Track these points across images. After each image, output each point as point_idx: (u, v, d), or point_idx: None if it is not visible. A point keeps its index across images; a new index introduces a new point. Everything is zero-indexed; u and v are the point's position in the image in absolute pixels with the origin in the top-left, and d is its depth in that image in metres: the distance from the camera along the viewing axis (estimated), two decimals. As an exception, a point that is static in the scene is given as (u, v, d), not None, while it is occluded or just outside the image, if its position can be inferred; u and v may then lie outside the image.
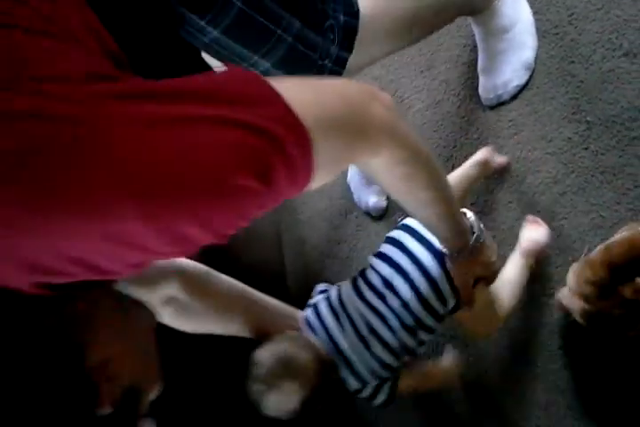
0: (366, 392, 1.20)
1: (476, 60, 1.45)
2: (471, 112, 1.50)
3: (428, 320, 1.14)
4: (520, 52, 1.36)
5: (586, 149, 1.29)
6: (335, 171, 0.74)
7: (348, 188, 1.82)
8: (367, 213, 1.79)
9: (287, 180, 0.63)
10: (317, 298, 1.25)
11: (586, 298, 1.04)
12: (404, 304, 1.12)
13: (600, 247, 1.05)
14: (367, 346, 1.14)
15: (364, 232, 1.83)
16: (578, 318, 1.09)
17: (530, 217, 1.34)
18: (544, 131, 1.36)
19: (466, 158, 1.44)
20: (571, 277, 1.09)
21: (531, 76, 1.37)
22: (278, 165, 0.61)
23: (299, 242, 1.98)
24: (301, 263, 1.96)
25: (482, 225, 1.06)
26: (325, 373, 1.13)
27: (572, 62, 1.28)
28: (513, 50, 1.37)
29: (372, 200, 1.72)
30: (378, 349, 1.14)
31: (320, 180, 0.69)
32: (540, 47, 1.35)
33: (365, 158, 0.78)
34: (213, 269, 1.18)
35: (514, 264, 1.31)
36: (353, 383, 1.17)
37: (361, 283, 1.17)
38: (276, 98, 0.62)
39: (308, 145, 0.63)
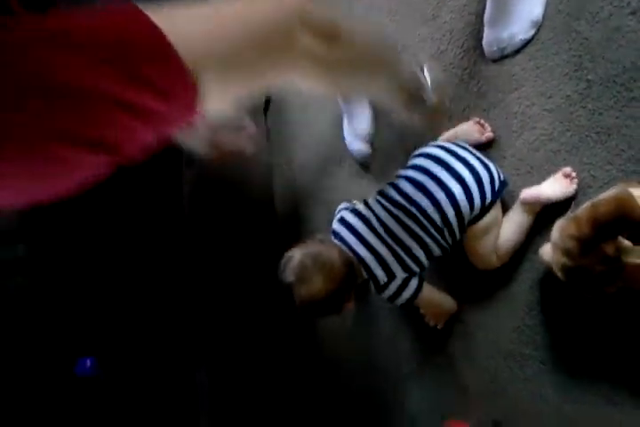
0: (392, 288, 1.33)
1: (482, 11, 1.43)
2: (473, 64, 1.49)
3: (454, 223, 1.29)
4: (529, 6, 1.34)
5: (584, 107, 1.29)
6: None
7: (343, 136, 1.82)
8: (362, 164, 1.80)
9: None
10: (342, 213, 1.39)
11: (568, 253, 1.06)
12: (436, 203, 1.27)
13: (587, 204, 1.07)
14: (399, 242, 1.30)
15: (356, 182, 1.83)
16: (558, 274, 1.12)
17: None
18: (544, 87, 1.35)
19: (464, 111, 1.44)
20: (555, 232, 1.11)
21: (536, 32, 1.35)
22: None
23: (290, 187, 1.98)
24: (291, 207, 1.98)
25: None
26: (350, 271, 1.29)
27: (579, 19, 1.26)
28: (522, 4, 1.35)
29: (357, 146, 1.75)
30: (408, 242, 1.30)
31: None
32: (548, 3, 1.33)
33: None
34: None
35: (514, 212, 1.37)
36: (381, 277, 1.31)
37: (390, 191, 1.33)
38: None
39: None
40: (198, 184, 1.93)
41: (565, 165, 1.31)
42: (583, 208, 1.07)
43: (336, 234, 1.36)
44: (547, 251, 1.18)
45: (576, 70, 1.29)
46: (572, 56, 1.29)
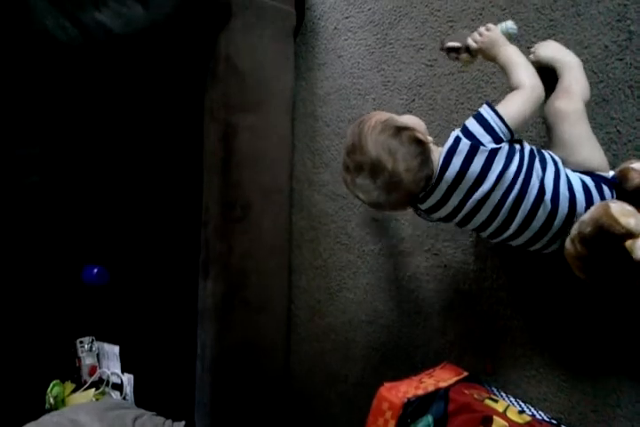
0: None
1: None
2: (512, 5, 1.44)
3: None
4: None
5: (620, 60, 1.26)
6: None
7: (372, 67, 1.79)
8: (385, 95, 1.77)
9: None
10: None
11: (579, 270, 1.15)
12: None
13: (576, 224, 1.12)
14: None
15: (378, 115, 1.81)
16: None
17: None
18: (582, 35, 1.32)
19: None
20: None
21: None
22: None
23: (311, 116, 1.97)
24: (309, 138, 1.97)
25: None
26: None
27: (630, -35, 1.21)
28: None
29: None
30: None
31: None
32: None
33: None
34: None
35: None
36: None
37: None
38: None
39: None
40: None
41: (592, 118, 1.29)
42: (574, 228, 1.12)
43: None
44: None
45: (619, 20, 1.25)
46: (618, 5, 1.25)
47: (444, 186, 1.19)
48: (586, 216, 1.10)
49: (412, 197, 1.23)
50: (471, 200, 1.19)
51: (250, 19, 1.76)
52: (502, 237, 1.25)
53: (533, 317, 1.44)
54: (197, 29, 1.71)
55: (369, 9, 1.79)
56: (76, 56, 1.74)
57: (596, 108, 1.30)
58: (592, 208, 1.11)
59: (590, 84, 1.30)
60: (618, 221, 1.03)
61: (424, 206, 1.27)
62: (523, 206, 1.17)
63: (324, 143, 1.94)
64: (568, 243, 1.13)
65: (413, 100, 1.68)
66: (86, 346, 2.24)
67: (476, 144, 1.14)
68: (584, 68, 1.30)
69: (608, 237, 1.05)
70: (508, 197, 1.17)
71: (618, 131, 1.27)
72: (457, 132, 1.18)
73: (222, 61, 1.73)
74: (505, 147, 1.16)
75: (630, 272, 1.06)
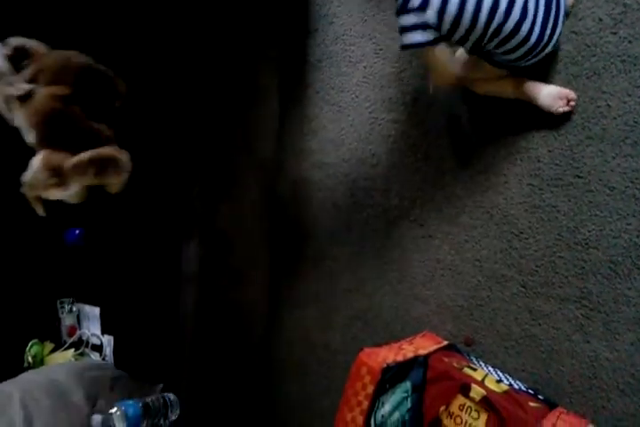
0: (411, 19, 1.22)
1: None
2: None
3: None
4: None
5: (614, 33, 1.25)
6: None
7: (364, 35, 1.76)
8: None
9: None
10: None
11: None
12: None
13: None
14: None
15: (367, 86, 1.80)
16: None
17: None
18: (577, 8, 1.31)
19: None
20: None
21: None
22: None
23: (301, 83, 1.95)
24: (298, 105, 1.95)
25: None
26: None
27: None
28: None
29: None
30: None
31: None
32: None
33: None
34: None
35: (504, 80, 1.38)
36: None
37: None
38: None
39: None
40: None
41: (583, 91, 1.29)
42: None
43: None
44: None
45: (615, -8, 1.25)
46: (614, -23, 1.24)
47: None
48: None
49: None
50: None
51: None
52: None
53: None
54: None
55: (364, -25, 1.76)
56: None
57: (588, 82, 1.30)
58: None
59: (582, 57, 1.30)
60: None
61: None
62: None
63: (313, 111, 1.93)
64: None
65: (405, 69, 1.67)
66: (66, 307, 2.24)
67: None
68: (577, 40, 1.30)
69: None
70: None
71: (608, 105, 1.27)
72: None
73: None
74: None
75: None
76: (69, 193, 1.57)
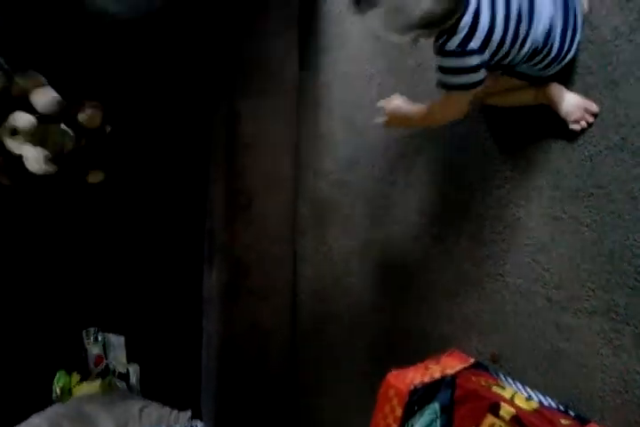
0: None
1: None
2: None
3: None
4: None
5: (630, 41, 1.23)
6: None
7: (377, 52, 1.76)
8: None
9: None
10: None
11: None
12: None
13: None
14: None
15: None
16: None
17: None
18: (591, 16, 1.29)
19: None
20: None
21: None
22: None
23: (316, 102, 1.96)
24: (313, 124, 1.96)
25: None
26: None
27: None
28: None
29: None
30: None
31: None
32: None
33: None
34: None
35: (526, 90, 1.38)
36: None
37: None
38: None
39: None
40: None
41: (602, 101, 1.27)
42: None
43: None
44: None
45: (628, 0, 1.23)
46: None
47: None
48: None
49: None
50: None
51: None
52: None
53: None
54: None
55: (374, -8, 1.76)
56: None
57: (605, 91, 1.28)
58: None
59: (599, 66, 1.28)
60: None
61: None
62: None
63: (328, 129, 1.93)
64: None
65: (418, 85, 1.66)
66: (92, 336, 2.25)
67: None
68: (593, 49, 1.28)
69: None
70: None
71: (626, 114, 1.24)
72: None
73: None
74: None
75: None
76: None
